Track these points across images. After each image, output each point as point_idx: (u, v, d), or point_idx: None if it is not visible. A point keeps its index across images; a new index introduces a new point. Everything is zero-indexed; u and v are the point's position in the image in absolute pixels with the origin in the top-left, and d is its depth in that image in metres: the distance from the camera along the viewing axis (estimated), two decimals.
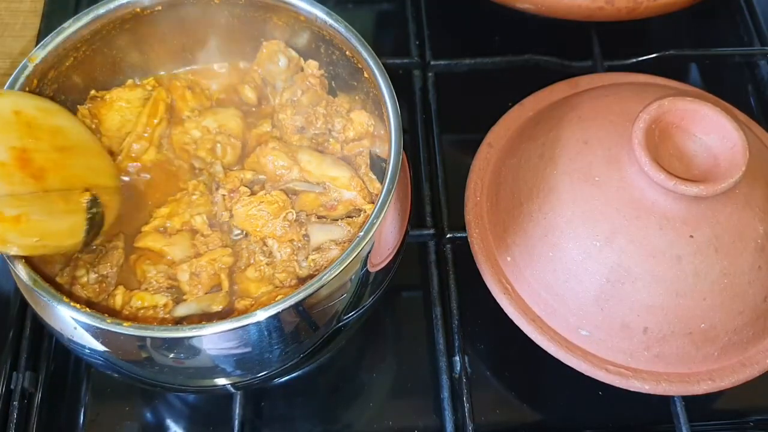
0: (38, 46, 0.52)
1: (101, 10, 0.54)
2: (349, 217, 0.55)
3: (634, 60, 0.76)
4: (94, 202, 0.51)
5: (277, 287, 0.52)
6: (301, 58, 0.60)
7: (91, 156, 0.54)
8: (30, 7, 0.82)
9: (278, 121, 0.58)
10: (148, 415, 0.62)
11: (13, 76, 0.51)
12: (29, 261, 0.47)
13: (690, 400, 0.60)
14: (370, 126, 0.58)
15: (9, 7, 0.82)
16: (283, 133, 0.58)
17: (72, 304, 0.45)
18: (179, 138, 0.58)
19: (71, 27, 0.53)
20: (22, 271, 0.46)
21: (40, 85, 0.53)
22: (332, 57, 0.58)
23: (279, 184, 0.56)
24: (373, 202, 0.55)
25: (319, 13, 0.55)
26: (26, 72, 0.52)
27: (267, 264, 0.53)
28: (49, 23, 0.79)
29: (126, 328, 0.44)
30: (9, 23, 0.81)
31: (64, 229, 0.50)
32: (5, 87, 0.51)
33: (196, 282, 0.52)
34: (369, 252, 0.49)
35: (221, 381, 0.52)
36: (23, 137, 0.48)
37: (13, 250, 0.47)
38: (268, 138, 0.58)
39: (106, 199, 0.53)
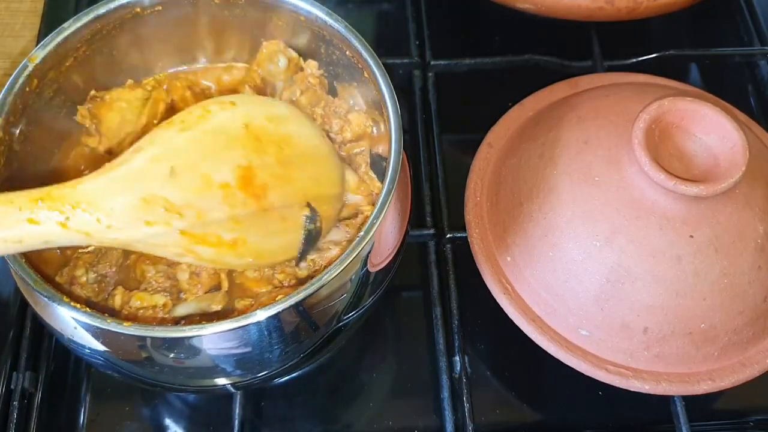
0: (38, 46, 0.52)
1: (101, 10, 0.54)
2: (347, 218, 0.55)
3: (634, 60, 0.76)
4: (313, 217, 0.49)
5: (276, 287, 0.52)
6: (301, 58, 0.60)
7: (317, 163, 0.52)
8: (30, 7, 0.82)
9: None
10: (148, 415, 0.62)
11: (13, 76, 0.51)
12: (29, 261, 0.47)
13: (690, 400, 0.60)
14: (368, 127, 0.58)
15: (9, 7, 0.82)
16: None
17: (72, 304, 0.45)
18: None
19: (71, 27, 0.53)
20: (22, 272, 0.46)
21: (40, 86, 0.53)
22: (332, 57, 0.58)
23: None
24: (374, 204, 0.55)
25: (319, 13, 0.55)
26: (26, 72, 0.51)
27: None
28: (49, 23, 0.79)
29: (126, 328, 0.44)
30: (9, 23, 0.81)
31: (279, 247, 0.49)
32: (5, 88, 0.51)
33: (195, 281, 0.52)
34: (369, 252, 0.49)
35: (221, 381, 0.52)
36: (250, 154, 0.46)
37: (228, 267, 0.46)
38: None
39: (326, 209, 0.51)
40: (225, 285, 0.53)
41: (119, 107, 0.57)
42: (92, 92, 0.57)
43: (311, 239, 0.50)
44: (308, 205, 0.49)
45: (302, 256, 0.50)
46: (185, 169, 0.45)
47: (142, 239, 0.44)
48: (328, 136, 0.58)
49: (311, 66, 0.59)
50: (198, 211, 0.44)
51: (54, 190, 0.42)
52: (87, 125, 0.56)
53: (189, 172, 0.45)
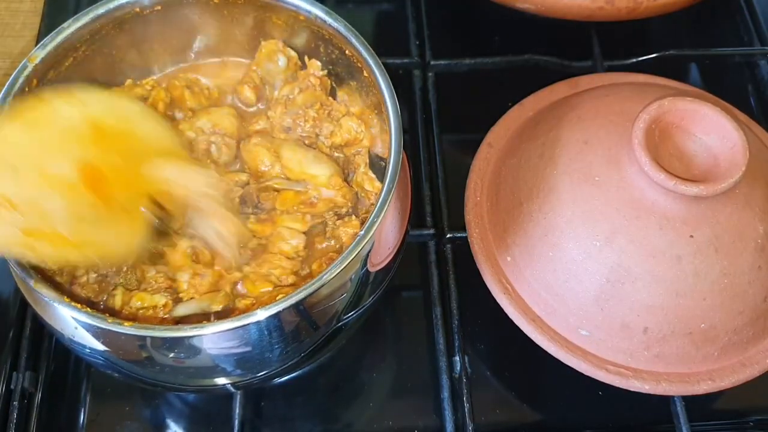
0: (38, 47, 0.52)
1: (100, 10, 0.54)
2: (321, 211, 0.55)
3: (634, 60, 0.76)
4: (158, 208, 0.49)
5: (277, 286, 0.52)
6: (305, 56, 0.60)
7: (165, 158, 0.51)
8: (30, 7, 0.82)
9: (269, 117, 0.59)
10: (148, 415, 0.62)
11: (12, 76, 0.51)
12: (29, 261, 0.47)
13: (690, 400, 0.60)
14: (360, 133, 0.58)
15: (9, 6, 0.82)
16: (272, 130, 0.58)
17: (73, 304, 0.45)
18: None
19: (71, 27, 0.53)
20: (22, 272, 0.46)
21: (40, 86, 0.53)
22: (332, 56, 0.58)
23: (261, 181, 0.56)
24: (347, 207, 0.55)
25: (319, 12, 0.55)
26: (26, 72, 0.52)
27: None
28: (49, 23, 0.79)
29: (127, 328, 0.44)
30: (9, 23, 0.82)
31: (125, 240, 0.49)
32: (5, 88, 0.51)
33: (195, 282, 0.52)
34: (369, 251, 0.49)
35: (221, 380, 0.52)
36: (95, 149, 0.46)
37: (70, 264, 0.46)
38: (253, 133, 0.58)
39: (173, 203, 0.51)
40: (227, 288, 0.52)
41: None
42: None
43: (158, 230, 0.50)
44: (153, 197, 0.49)
45: (151, 246, 0.51)
46: (25, 166, 0.44)
47: None
48: (318, 139, 0.58)
49: (313, 66, 0.59)
50: (39, 209, 0.44)
51: None
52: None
53: (29, 168, 0.44)
